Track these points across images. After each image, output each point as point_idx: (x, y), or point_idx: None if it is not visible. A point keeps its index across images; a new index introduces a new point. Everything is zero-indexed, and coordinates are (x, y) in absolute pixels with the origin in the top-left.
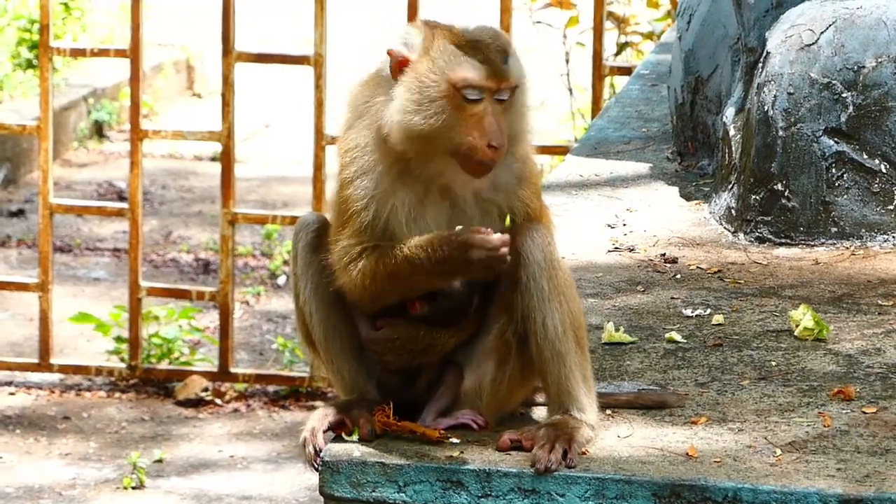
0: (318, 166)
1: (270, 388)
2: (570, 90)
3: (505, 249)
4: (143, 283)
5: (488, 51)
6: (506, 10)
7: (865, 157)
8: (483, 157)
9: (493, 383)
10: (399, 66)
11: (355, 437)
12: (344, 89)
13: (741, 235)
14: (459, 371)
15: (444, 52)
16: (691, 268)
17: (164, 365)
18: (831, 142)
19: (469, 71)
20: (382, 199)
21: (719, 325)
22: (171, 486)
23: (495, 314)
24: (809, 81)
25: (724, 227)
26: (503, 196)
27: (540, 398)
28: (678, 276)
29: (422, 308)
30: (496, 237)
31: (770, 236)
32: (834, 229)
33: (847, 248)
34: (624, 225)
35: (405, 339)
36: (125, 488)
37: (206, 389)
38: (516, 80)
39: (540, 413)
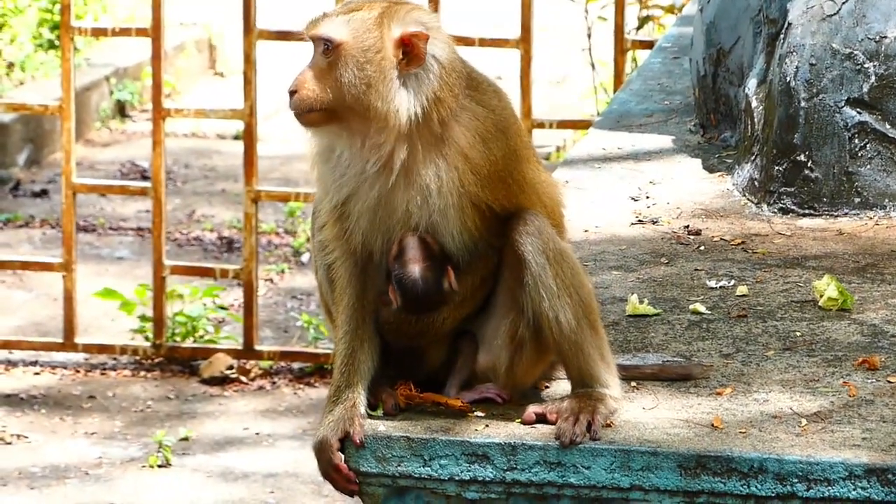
0: None
1: (295, 365)
2: (593, 64)
3: (350, 486)
4: (167, 262)
5: (332, 9)
6: None
7: (888, 127)
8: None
9: (508, 369)
10: None
11: (380, 412)
12: None
13: (764, 207)
14: (474, 341)
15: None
16: (715, 239)
17: (188, 343)
18: (854, 112)
19: None
20: (326, 185)
21: (743, 296)
22: (197, 464)
23: (505, 309)
24: (831, 52)
25: (748, 199)
26: (443, 177)
27: (561, 373)
28: (702, 247)
29: (395, 299)
30: (344, 473)
31: (793, 207)
32: (857, 199)
33: (870, 218)
34: (647, 197)
35: (398, 322)
36: (151, 466)
37: (230, 367)
38: (323, 32)
39: (564, 386)
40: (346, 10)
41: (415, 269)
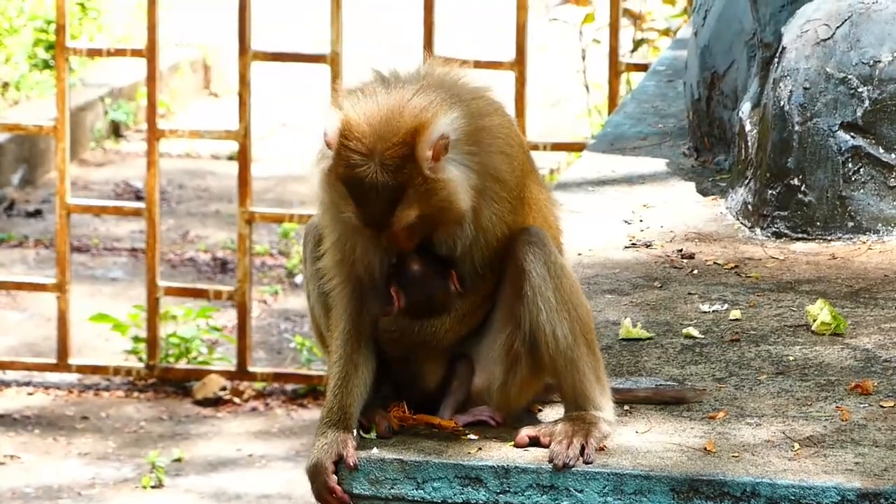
0: None
1: (289, 387)
2: (587, 87)
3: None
4: (161, 283)
5: (368, 196)
6: (521, 7)
7: (882, 151)
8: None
9: (502, 386)
10: (327, 143)
11: (373, 435)
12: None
13: (758, 230)
14: (471, 364)
15: (332, 179)
16: (708, 263)
17: (181, 364)
18: (847, 136)
19: (352, 219)
20: (337, 233)
21: (736, 320)
22: (190, 485)
23: (501, 323)
24: (825, 76)
25: (741, 223)
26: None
27: (555, 397)
28: (695, 271)
29: (401, 300)
30: (338, 496)
31: (787, 231)
32: (850, 224)
33: (864, 242)
34: (641, 221)
35: (402, 331)
36: (144, 487)
37: (224, 388)
38: (400, 222)
39: (557, 410)
40: (386, 184)
41: (419, 268)
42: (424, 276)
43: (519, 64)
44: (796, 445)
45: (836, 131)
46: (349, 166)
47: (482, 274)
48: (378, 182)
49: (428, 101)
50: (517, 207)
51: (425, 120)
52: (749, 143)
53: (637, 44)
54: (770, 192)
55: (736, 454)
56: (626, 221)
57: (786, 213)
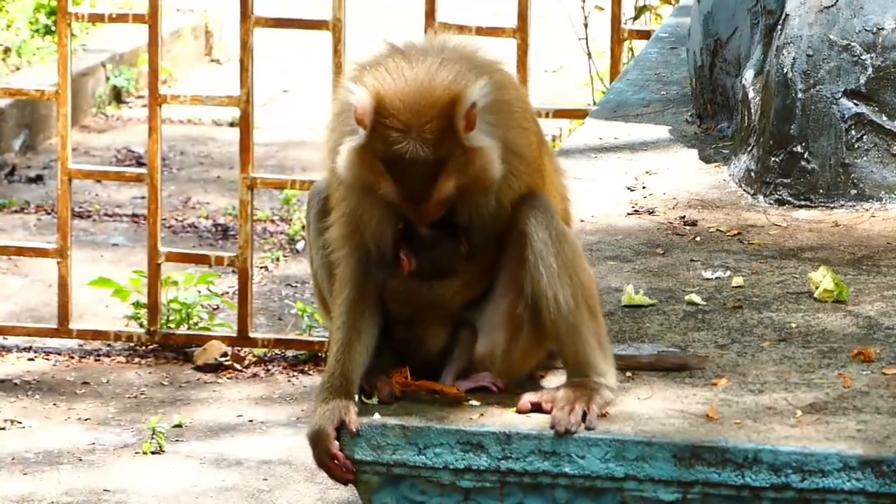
0: None
1: (289, 353)
2: (589, 54)
3: (347, 474)
4: (162, 249)
5: (409, 171)
6: None
7: (885, 118)
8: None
9: (505, 353)
10: (358, 120)
11: (375, 401)
12: (362, 54)
13: (761, 198)
14: (473, 331)
15: (367, 156)
16: (711, 230)
17: (182, 330)
18: (850, 104)
19: (389, 195)
20: (350, 206)
21: (739, 287)
22: (191, 451)
23: (504, 289)
24: (828, 43)
25: (744, 190)
26: (466, 194)
27: (558, 363)
28: (698, 238)
29: (411, 263)
30: (341, 461)
31: (789, 198)
32: (853, 191)
33: (866, 209)
34: (643, 188)
35: (409, 291)
36: (144, 453)
37: (224, 354)
38: (439, 194)
39: (560, 377)
40: (426, 157)
41: (429, 231)
42: (435, 239)
43: (521, 31)
44: (798, 412)
45: (840, 99)
46: (388, 143)
47: (492, 241)
48: (419, 157)
49: (456, 72)
50: (534, 180)
51: (459, 91)
52: (752, 111)
53: (639, 11)
54: (773, 159)
55: (738, 421)
56: (628, 188)
57: (788, 181)
